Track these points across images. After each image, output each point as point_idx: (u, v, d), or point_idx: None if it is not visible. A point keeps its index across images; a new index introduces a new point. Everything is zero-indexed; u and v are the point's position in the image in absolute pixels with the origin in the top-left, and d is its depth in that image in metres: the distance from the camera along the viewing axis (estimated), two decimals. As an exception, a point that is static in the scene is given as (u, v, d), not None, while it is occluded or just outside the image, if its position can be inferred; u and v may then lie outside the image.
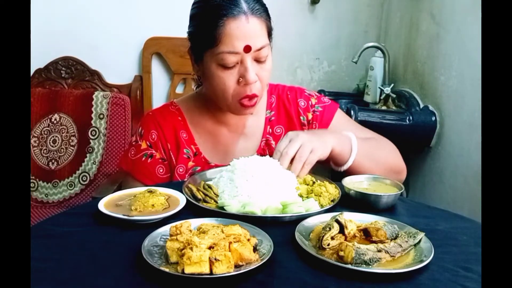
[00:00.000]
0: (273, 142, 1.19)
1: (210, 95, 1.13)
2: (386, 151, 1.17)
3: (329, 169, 1.12)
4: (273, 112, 1.22)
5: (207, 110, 1.18)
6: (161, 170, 1.15)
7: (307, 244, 0.73)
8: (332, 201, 0.91)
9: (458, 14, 1.67)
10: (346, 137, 1.08)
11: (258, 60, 1.04)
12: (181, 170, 1.15)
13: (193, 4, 1.09)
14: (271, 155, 1.11)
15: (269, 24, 1.07)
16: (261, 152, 1.18)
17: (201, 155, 1.16)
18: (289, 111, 1.22)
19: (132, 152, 1.16)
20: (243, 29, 0.99)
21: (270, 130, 1.20)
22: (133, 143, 1.18)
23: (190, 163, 1.15)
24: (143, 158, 1.15)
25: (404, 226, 0.79)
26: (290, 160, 0.97)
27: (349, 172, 1.07)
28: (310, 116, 1.21)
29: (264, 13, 1.05)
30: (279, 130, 1.21)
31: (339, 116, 1.24)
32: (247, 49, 1.00)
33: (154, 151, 1.15)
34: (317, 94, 1.27)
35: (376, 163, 1.09)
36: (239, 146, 1.18)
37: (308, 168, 0.99)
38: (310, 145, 0.99)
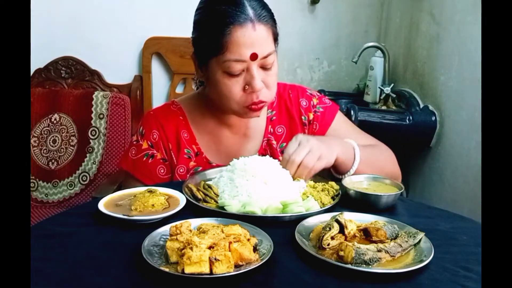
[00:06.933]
0: (274, 142, 1.18)
1: (215, 100, 1.11)
2: (385, 158, 1.17)
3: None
4: (274, 112, 1.21)
5: (209, 111, 1.17)
6: (162, 171, 1.14)
7: (307, 244, 0.73)
8: (332, 200, 0.91)
9: (458, 14, 1.66)
10: (349, 145, 1.08)
11: (264, 67, 1.03)
12: (181, 170, 1.14)
13: (197, 9, 1.07)
14: (272, 156, 1.11)
15: (275, 30, 1.05)
16: (263, 152, 1.17)
17: (202, 155, 1.15)
18: (291, 110, 1.21)
19: (133, 152, 1.15)
20: (249, 37, 0.98)
21: (272, 129, 1.20)
22: (134, 142, 1.17)
23: (192, 163, 1.14)
24: (144, 158, 1.14)
25: (404, 226, 0.79)
26: (297, 166, 0.97)
27: None
28: (311, 116, 1.21)
29: (270, 19, 1.03)
30: (280, 130, 1.20)
31: (339, 118, 1.24)
32: (254, 57, 0.99)
33: (155, 151, 1.14)
34: (318, 94, 1.26)
35: (375, 171, 1.09)
36: (241, 147, 1.18)
37: (312, 174, 0.99)
38: (318, 152, 0.98)
